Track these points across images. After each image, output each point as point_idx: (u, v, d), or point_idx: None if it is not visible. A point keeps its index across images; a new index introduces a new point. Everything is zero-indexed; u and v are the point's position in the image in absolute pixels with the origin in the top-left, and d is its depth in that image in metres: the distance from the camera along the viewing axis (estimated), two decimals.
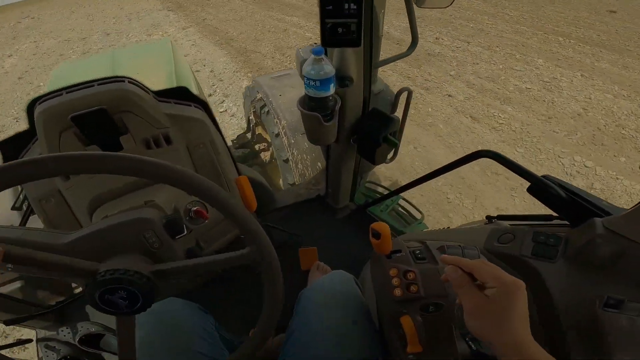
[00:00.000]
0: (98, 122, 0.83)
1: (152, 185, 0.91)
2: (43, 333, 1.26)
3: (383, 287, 0.66)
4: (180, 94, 1.00)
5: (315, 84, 0.96)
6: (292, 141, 1.53)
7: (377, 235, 0.62)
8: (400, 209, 1.47)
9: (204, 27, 7.85)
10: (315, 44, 1.63)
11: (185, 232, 0.74)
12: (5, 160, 0.91)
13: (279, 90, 1.77)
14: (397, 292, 0.62)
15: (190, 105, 1.01)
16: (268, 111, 1.74)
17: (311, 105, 1.03)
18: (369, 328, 0.69)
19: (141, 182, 0.91)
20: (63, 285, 1.46)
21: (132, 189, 0.90)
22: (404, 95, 1.19)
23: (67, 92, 0.83)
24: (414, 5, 1.08)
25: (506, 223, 0.88)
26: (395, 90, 1.24)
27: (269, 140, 2.19)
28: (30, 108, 0.85)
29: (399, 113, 1.23)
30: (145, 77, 0.99)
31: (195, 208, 0.87)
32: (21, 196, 1.19)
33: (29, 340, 1.23)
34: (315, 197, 1.57)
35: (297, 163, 1.55)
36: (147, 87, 0.93)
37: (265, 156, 2.16)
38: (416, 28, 1.10)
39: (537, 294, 0.66)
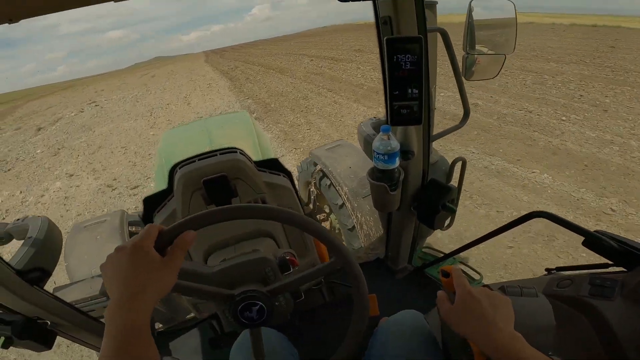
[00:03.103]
0: (220, 186, 1.05)
1: (253, 238, 1.10)
2: None
3: None
4: (272, 165, 1.22)
5: (384, 157, 1.12)
6: (355, 205, 1.70)
7: (446, 274, 0.77)
8: None
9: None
10: (375, 117, 1.89)
11: (292, 269, 0.90)
12: (145, 212, 1.15)
13: (335, 160, 1.98)
14: None
15: (279, 175, 1.22)
16: (330, 184, 1.95)
17: (379, 177, 1.19)
18: (436, 355, 0.79)
19: (244, 235, 1.11)
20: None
21: (238, 240, 1.10)
22: (459, 164, 1.33)
23: (198, 160, 1.07)
24: (463, 79, 1.24)
25: (566, 273, 0.96)
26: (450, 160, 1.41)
27: (327, 212, 2.39)
28: (172, 171, 1.10)
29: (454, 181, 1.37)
30: (234, 145, 1.23)
31: (288, 257, 0.98)
32: None
33: None
34: (374, 260, 1.69)
35: (362, 225, 1.71)
36: (250, 158, 1.16)
37: (326, 225, 2.34)
38: (467, 100, 1.26)
39: (597, 327, 0.74)
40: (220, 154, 1.08)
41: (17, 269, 0.97)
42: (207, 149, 1.12)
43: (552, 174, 3.54)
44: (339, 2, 0.98)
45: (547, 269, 1.04)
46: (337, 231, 2.19)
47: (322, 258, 1.28)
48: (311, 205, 2.35)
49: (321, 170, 2.02)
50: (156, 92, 12.55)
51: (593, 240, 0.89)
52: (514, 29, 1.24)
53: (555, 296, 0.86)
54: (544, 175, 3.53)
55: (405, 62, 0.95)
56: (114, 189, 4.97)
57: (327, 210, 2.35)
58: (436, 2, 1.32)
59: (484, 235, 1.20)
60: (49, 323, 1.05)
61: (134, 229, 1.77)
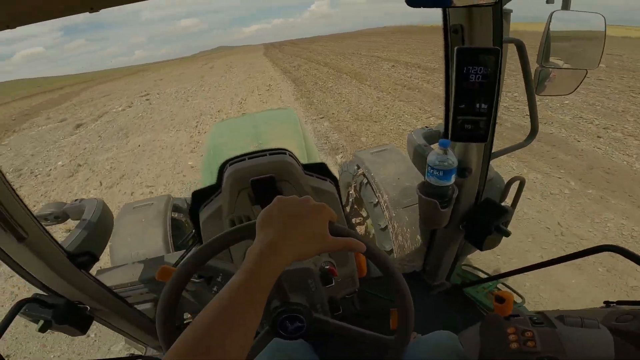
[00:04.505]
0: (267, 187, 1.03)
1: None
2: (151, 351, 1.43)
3: (497, 342, 0.73)
4: (319, 169, 1.20)
5: (439, 173, 1.05)
6: (394, 214, 1.64)
7: (500, 300, 0.72)
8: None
9: None
10: (426, 127, 1.82)
11: (333, 283, 0.88)
12: (192, 205, 1.17)
13: (380, 166, 1.90)
14: (514, 345, 0.69)
15: (326, 180, 1.20)
16: (367, 182, 1.89)
17: (430, 192, 1.12)
18: None
19: None
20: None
21: None
22: (516, 184, 1.24)
23: (248, 158, 1.06)
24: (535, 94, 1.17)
25: (627, 308, 0.88)
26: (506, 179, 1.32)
27: (364, 216, 2.34)
28: (222, 168, 1.09)
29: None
30: (281, 144, 1.20)
31: (328, 267, 0.96)
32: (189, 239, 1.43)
33: (140, 356, 1.39)
34: (411, 272, 1.63)
35: (397, 235, 1.65)
36: (299, 161, 1.13)
37: (361, 230, 2.29)
38: (537, 116, 1.15)
39: None
40: (269, 154, 1.07)
41: (68, 251, 0.99)
42: (254, 146, 1.10)
43: None
44: (402, 3, 0.92)
45: (605, 302, 0.96)
46: (371, 236, 2.14)
47: (360, 269, 1.24)
48: (348, 208, 2.31)
49: (363, 174, 1.96)
50: (210, 89, 11.06)
51: None
52: (602, 44, 1.13)
53: (615, 330, 0.79)
54: None
55: (477, 75, 0.88)
56: None
57: (363, 214, 2.30)
58: (510, 11, 1.22)
59: (546, 262, 1.13)
60: (89, 308, 1.06)
61: (176, 215, 1.81)
